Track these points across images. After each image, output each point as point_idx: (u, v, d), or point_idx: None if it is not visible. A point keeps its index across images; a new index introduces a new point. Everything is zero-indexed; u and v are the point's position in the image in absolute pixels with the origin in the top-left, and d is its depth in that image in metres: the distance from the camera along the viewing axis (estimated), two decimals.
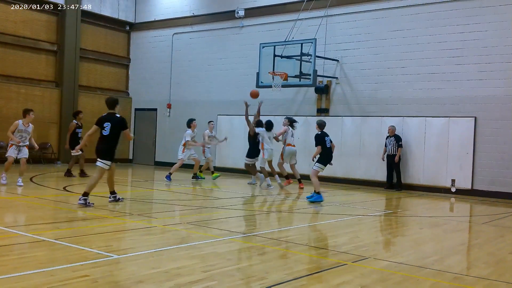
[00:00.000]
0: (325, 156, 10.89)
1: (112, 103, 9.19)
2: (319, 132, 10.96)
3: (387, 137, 14.54)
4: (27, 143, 11.70)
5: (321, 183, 15.18)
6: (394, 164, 14.40)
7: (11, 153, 11.45)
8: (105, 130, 8.93)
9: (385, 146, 14.57)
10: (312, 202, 10.76)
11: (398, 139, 14.35)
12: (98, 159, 8.95)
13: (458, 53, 14.03)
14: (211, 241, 6.49)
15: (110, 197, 9.43)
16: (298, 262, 5.61)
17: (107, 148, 8.93)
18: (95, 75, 20.68)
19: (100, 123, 9.02)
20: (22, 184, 11.28)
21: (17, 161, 11.66)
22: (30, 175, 13.79)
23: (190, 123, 14.49)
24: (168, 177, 14.11)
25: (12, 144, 11.47)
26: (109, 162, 8.93)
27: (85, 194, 8.73)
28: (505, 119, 13.35)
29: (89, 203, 8.70)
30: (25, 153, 11.60)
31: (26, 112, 11.69)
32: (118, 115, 9.09)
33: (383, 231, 8.35)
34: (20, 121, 11.58)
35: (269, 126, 13.64)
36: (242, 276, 4.88)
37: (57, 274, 4.62)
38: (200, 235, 6.80)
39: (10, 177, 11.64)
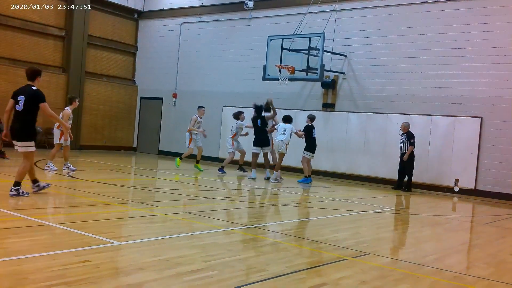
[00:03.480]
0: (312, 145, 13.46)
1: (32, 74, 7.93)
2: (309, 124, 13.52)
3: (401, 134, 13.75)
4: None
5: (325, 178, 15.29)
6: (405, 163, 13.55)
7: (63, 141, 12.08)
8: (19, 105, 7.72)
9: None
10: (300, 182, 13.27)
11: (410, 136, 13.51)
12: (17, 144, 7.79)
13: (467, 52, 13.95)
14: (212, 231, 6.52)
15: (33, 187, 8.26)
16: (299, 256, 5.63)
17: (21, 126, 7.74)
18: (102, 62, 20.70)
19: (14, 96, 7.82)
20: (74, 168, 12.16)
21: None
22: (36, 159, 13.84)
23: (238, 115, 14.48)
24: (222, 170, 14.30)
25: (63, 132, 11.91)
26: (32, 143, 7.81)
27: (16, 184, 7.78)
28: (511, 120, 13.28)
29: (22, 192, 7.84)
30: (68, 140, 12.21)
31: (73, 100, 12.22)
32: (34, 87, 7.84)
33: (385, 228, 8.35)
34: (69, 109, 12.10)
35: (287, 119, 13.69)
36: (242, 267, 4.90)
37: (59, 258, 4.66)
38: (202, 225, 6.82)
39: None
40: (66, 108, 12.20)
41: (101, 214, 7.10)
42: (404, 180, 13.84)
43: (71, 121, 12.13)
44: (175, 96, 20.35)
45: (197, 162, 14.89)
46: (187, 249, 5.41)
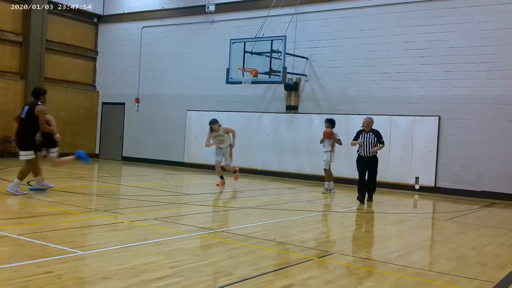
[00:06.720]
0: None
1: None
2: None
3: (362, 133, 11.27)
4: None
5: (290, 179, 15.36)
6: (371, 163, 11.09)
7: None
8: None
9: (359, 139, 11.21)
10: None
11: (379, 134, 11.27)
12: None
13: (424, 53, 14.32)
14: (178, 237, 6.47)
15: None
16: (265, 258, 5.65)
17: None
18: (61, 67, 20.25)
19: None
20: None
21: None
22: None
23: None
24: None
25: None
26: None
27: None
28: (468, 119, 13.71)
29: None
30: None
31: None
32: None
33: (349, 227, 8.48)
34: None
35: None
36: (209, 272, 4.89)
37: (20, 270, 4.54)
38: (167, 231, 6.77)
39: None
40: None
41: (63, 223, 6.95)
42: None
43: None
44: (137, 100, 20.11)
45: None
46: (153, 256, 5.36)
